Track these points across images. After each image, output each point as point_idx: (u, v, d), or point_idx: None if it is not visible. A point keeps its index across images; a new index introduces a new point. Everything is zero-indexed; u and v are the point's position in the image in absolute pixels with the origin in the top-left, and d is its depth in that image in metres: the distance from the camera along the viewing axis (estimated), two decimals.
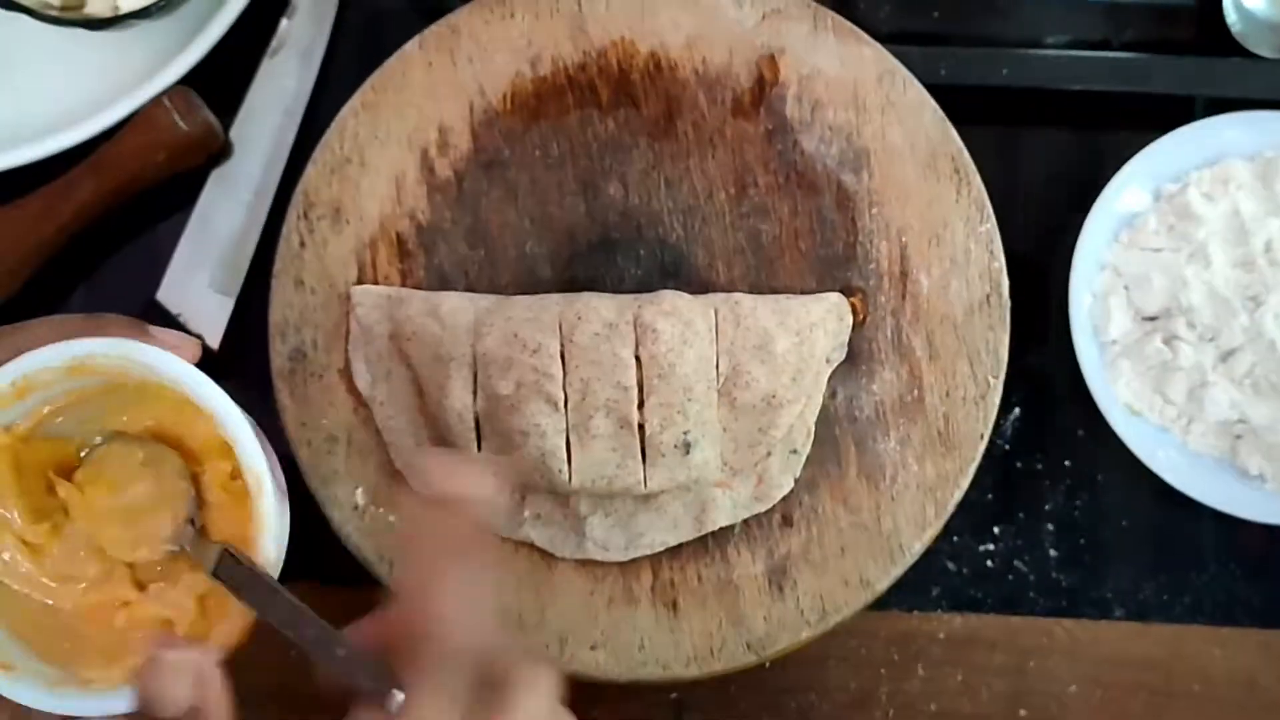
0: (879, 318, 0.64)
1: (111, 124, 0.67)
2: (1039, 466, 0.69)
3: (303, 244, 0.64)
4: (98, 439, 0.50)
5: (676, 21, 0.65)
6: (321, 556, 0.62)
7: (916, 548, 0.62)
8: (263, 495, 0.48)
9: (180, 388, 0.47)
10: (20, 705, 0.45)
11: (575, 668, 0.61)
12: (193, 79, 0.68)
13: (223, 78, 0.69)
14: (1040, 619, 0.68)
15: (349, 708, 0.43)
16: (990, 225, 0.64)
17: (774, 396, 0.61)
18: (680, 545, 0.62)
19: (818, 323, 0.62)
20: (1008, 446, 0.69)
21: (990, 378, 0.63)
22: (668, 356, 0.60)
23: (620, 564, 0.62)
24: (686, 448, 0.60)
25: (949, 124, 0.64)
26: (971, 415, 0.63)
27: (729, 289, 0.64)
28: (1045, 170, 0.71)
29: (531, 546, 0.62)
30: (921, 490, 0.62)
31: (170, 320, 0.68)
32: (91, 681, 0.47)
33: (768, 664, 0.62)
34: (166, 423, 0.51)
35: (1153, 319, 0.66)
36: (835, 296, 0.63)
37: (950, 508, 0.62)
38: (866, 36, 0.65)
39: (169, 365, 0.46)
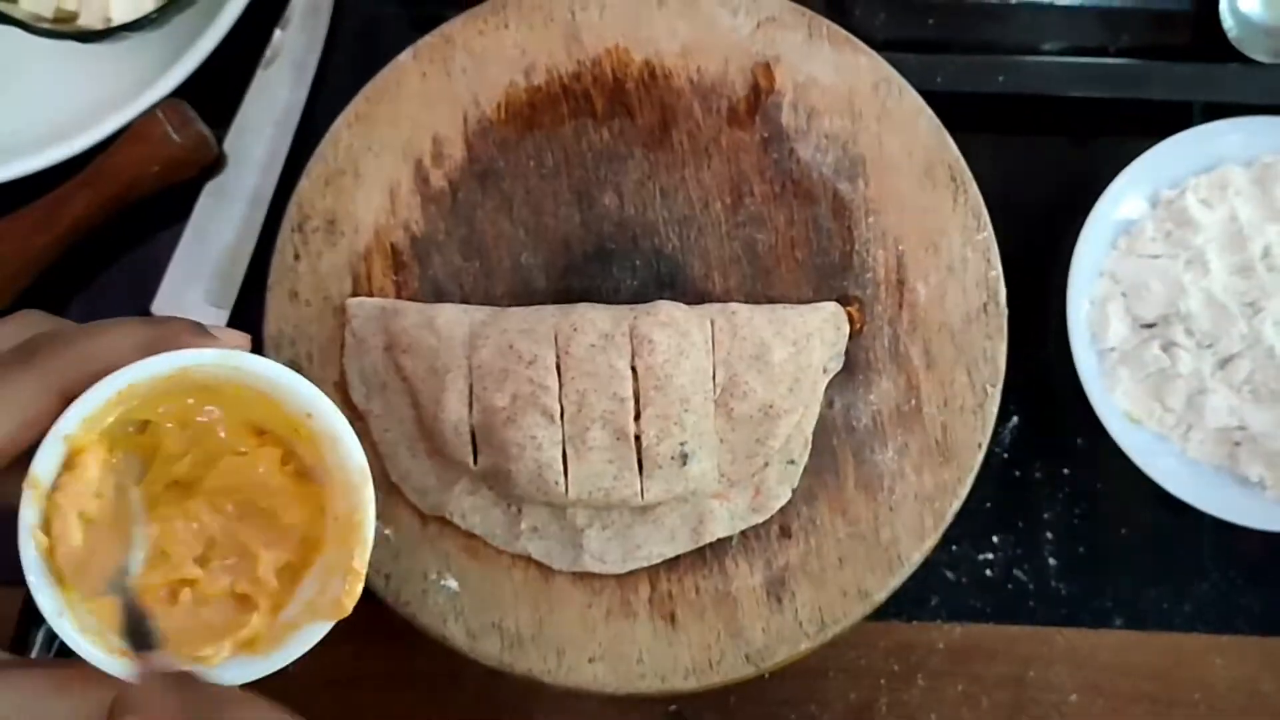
0: (876, 327, 0.63)
1: (105, 137, 0.67)
2: (1038, 475, 0.68)
3: (297, 256, 0.64)
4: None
5: (671, 30, 0.65)
6: None
7: (915, 558, 0.62)
8: (366, 488, 0.48)
9: (281, 394, 0.47)
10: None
11: (573, 681, 0.61)
12: (186, 91, 0.68)
13: (216, 90, 0.69)
14: (1040, 628, 0.68)
15: None
16: (987, 233, 0.64)
17: (771, 407, 0.61)
18: (678, 557, 0.62)
19: (814, 332, 0.62)
20: (1006, 455, 0.69)
21: (988, 386, 0.63)
22: (664, 367, 0.60)
23: (618, 576, 0.62)
24: (683, 459, 0.60)
25: (945, 132, 0.64)
26: (969, 424, 0.62)
27: (725, 299, 0.64)
28: (1042, 177, 0.70)
29: (528, 559, 0.62)
30: (920, 500, 0.62)
31: None
32: (207, 658, 0.47)
33: (767, 675, 0.62)
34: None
35: (1151, 326, 0.66)
36: (832, 306, 0.63)
37: (949, 518, 0.62)
38: (862, 44, 0.65)
39: (273, 372, 0.47)
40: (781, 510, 0.62)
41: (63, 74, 0.70)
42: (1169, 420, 0.65)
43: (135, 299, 0.68)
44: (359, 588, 0.47)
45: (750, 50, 0.65)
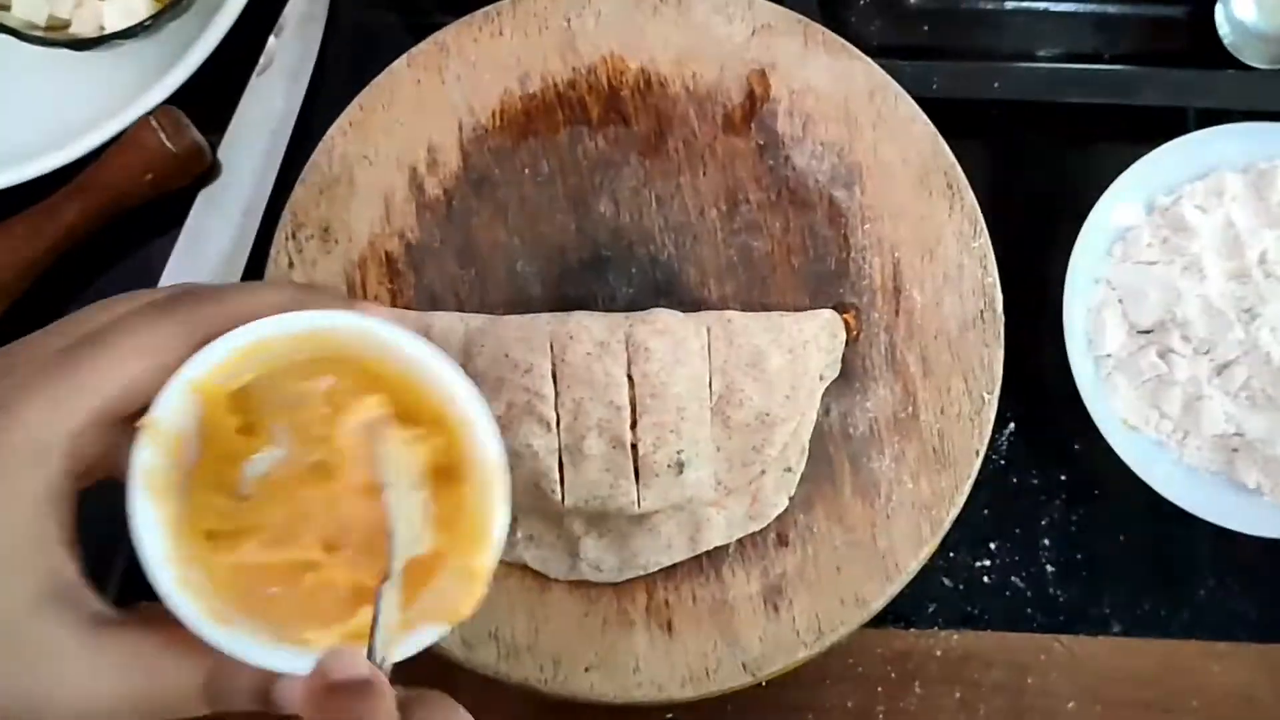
0: (872, 334, 0.63)
1: (98, 145, 0.67)
2: (1035, 482, 0.68)
3: (291, 264, 0.64)
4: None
5: (666, 38, 0.65)
6: None
7: (912, 566, 0.62)
8: (499, 486, 0.44)
9: (415, 368, 0.44)
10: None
11: (570, 690, 0.61)
12: (180, 99, 0.67)
13: (210, 97, 0.68)
14: (1037, 635, 0.67)
15: None
16: (983, 240, 0.64)
17: (768, 415, 0.60)
18: (675, 565, 0.62)
19: (811, 340, 0.62)
20: (1003, 462, 0.68)
21: (985, 393, 0.63)
22: (660, 375, 0.60)
23: (614, 585, 0.62)
24: (680, 467, 0.60)
25: (941, 138, 0.64)
26: (966, 431, 0.62)
27: (721, 306, 0.63)
28: (1038, 183, 0.70)
29: (524, 568, 0.62)
30: (917, 508, 0.62)
31: None
32: (310, 642, 0.44)
33: (764, 684, 0.62)
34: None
35: (1147, 332, 0.66)
36: (828, 313, 0.63)
37: (946, 525, 0.62)
38: (857, 51, 0.65)
39: (411, 345, 0.44)
40: (778, 518, 0.62)
41: (56, 82, 0.70)
42: (1166, 427, 0.65)
43: None
44: (481, 591, 0.44)
45: (745, 57, 0.65)
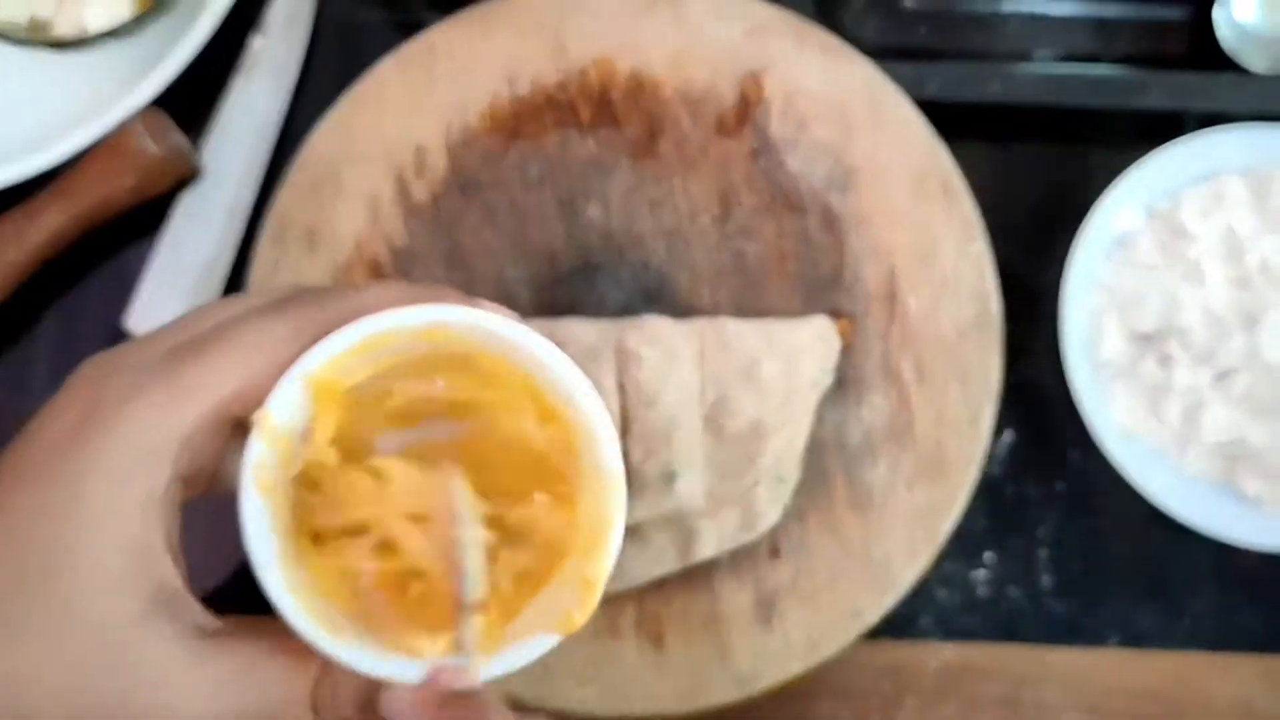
0: (867, 341, 0.62)
1: (79, 148, 0.65)
2: (1031, 491, 0.67)
3: (276, 268, 0.62)
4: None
5: (658, 38, 0.64)
6: None
7: (908, 577, 0.61)
8: (617, 496, 0.43)
9: (536, 367, 0.42)
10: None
11: (559, 705, 0.60)
12: (163, 101, 0.66)
13: (193, 99, 0.67)
14: (1034, 647, 0.66)
15: None
16: (981, 245, 0.63)
17: (761, 424, 0.59)
18: (665, 578, 0.61)
19: (805, 347, 0.61)
20: (999, 470, 0.67)
21: (982, 401, 0.62)
22: (651, 384, 0.58)
23: (603, 597, 0.60)
24: (671, 478, 0.59)
25: (938, 141, 0.63)
26: (963, 440, 0.61)
27: (714, 312, 0.62)
28: (1036, 188, 0.69)
29: None
30: (913, 518, 0.61)
31: None
32: (419, 650, 0.43)
33: (756, 698, 0.61)
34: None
35: (1147, 339, 0.65)
36: (822, 320, 0.62)
37: (943, 536, 0.61)
38: (853, 53, 0.64)
39: (532, 343, 0.42)
40: (771, 530, 0.61)
41: (36, 84, 0.68)
42: (1165, 435, 0.64)
43: (110, 313, 0.67)
44: (593, 601, 0.42)
45: (739, 59, 0.64)
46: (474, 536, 0.43)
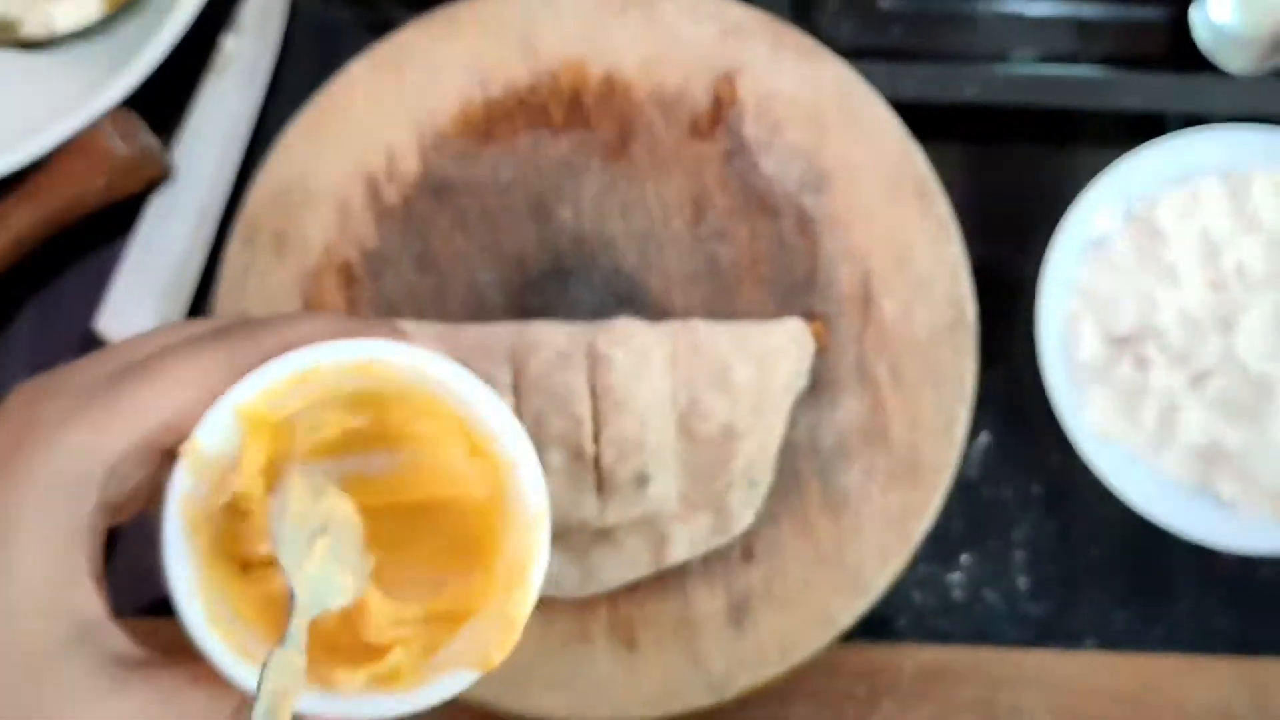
0: (841, 344, 0.62)
1: (48, 149, 0.65)
2: (1008, 494, 0.67)
3: (245, 272, 0.62)
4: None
5: (631, 40, 0.64)
6: None
7: (882, 581, 0.60)
8: (540, 530, 0.43)
9: (464, 405, 0.43)
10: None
11: (528, 709, 0.59)
12: (133, 101, 0.66)
13: (164, 99, 0.67)
14: (1010, 650, 0.66)
15: None
16: (956, 248, 0.62)
17: (733, 427, 0.59)
18: (637, 581, 0.60)
19: (778, 350, 0.60)
20: (975, 473, 0.67)
21: (957, 405, 0.61)
22: (623, 386, 0.58)
23: (575, 601, 0.60)
24: (643, 481, 0.58)
25: (913, 143, 0.63)
26: (938, 444, 0.61)
27: (686, 316, 0.62)
28: (1011, 190, 0.69)
29: None
30: (887, 522, 0.61)
31: None
32: (338, 684, 0.43)
33: (729, 701, 0.60)
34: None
35: (1123, 341, 0.65)
36: (796, 322, 0.61)
37: (917, 539, 0.61)
38: (828, 54, 0.64)
39: (462, 381, 0.42)
40: (744, 533, 0.60)
41: (4, 84, 0.68)
42: (1141, 438, 0.64)
43: (80, 315, 0.66)
44: (513, 639, 0.43)
45: (713, 61, 0.63)
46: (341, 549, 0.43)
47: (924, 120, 0.64)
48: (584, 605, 0.60)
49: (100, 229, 0.67)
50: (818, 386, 0.62)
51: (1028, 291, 0.64)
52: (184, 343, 0.39)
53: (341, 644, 0.43)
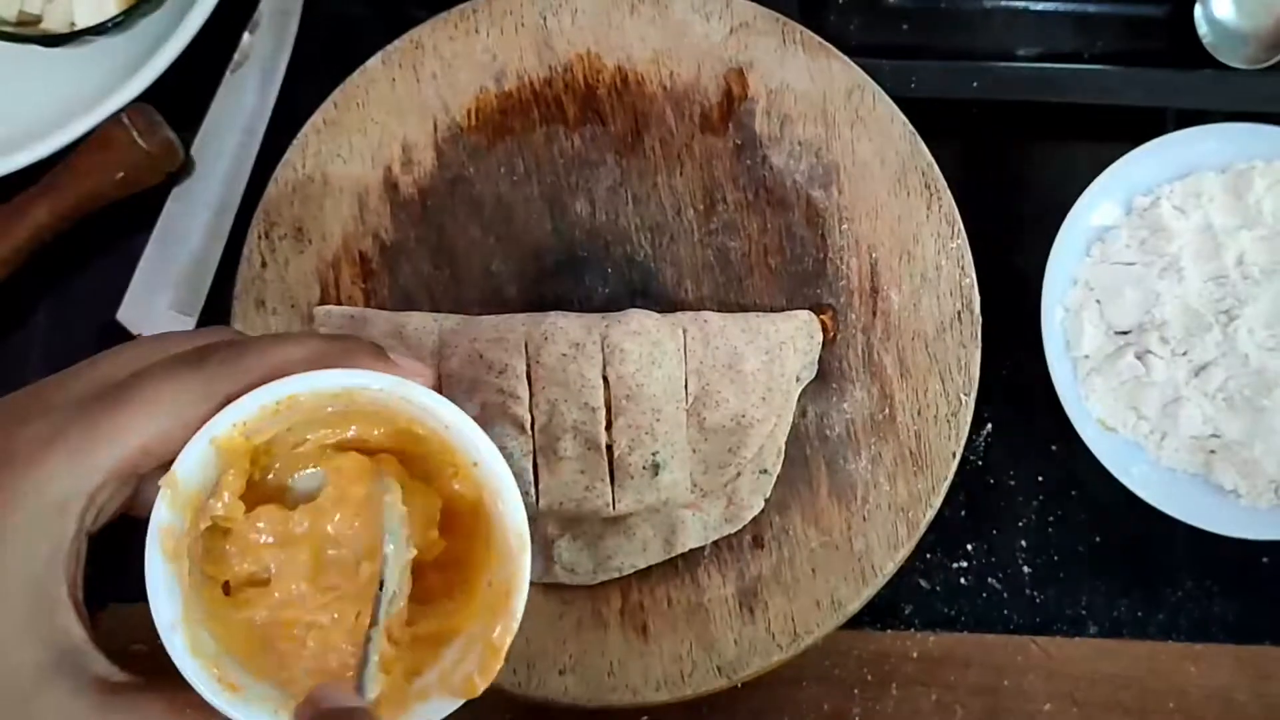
0: (849, 335, 0.63)
1: (69, 142, 0.66)
2: (1012, 483, 0.68)
3: (264, 264, 0.63)
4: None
5: (643, 36, 0.65)
6: None
7: (889, 568, 0.61)
8: (523, 557, 0.43)
9: (447, 433, 0.43)
10: None
11: (543, 693, 0.60)
12: (152, 95, 0.67)
13: (183, 94, 0.68)
14: (1014, 636, 0.67)
15: None
16: (961, 240, 0.63)
17: (744, 416, 0.60)
18: (649, 568, 0.61)
19: (788, 341, 0.61)
20: (980, 462, 0.68)
21: (962, 395, 0.62)
22: (636, 377, 0.59)
23: (588, 587, 0.61)
24: (655, 469, 0.59)
25: (919, 138, 0.64)
26: (944, 433, 0.62)
27: (698, 307, 0.63)
28: (1016, 184, 0.70)
29: None
30: (893, 510, 0.62)
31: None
32: None
33: (739, 686, 0.61)
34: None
35: (1125, 334, 0.66)
36: (805, 314, 0.63)
37: (923, 527, 0.62)
38: (836, 50, 0.65)
39: (445, 412, 0.43)
40: (754, 520, 0.62)
41: (25, 78, 0.69)
42: (1143, 428, 0.65)
43: (101, 307, 0.67)
44: (496, 667, 0.43)
45: (723, 56, 0.64)
46: (400, 551, 0.43)
47: (930, 115, 0.65)
48: (597, 591, 0.61)
49: (120, 222, 0.68)
50: (826, 376, 0.63)
51: (1032, 284, 0.65)
52: (163, 365, 0.39)
53: (327, 669, 0.43)
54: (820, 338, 0.63)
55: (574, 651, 0.61)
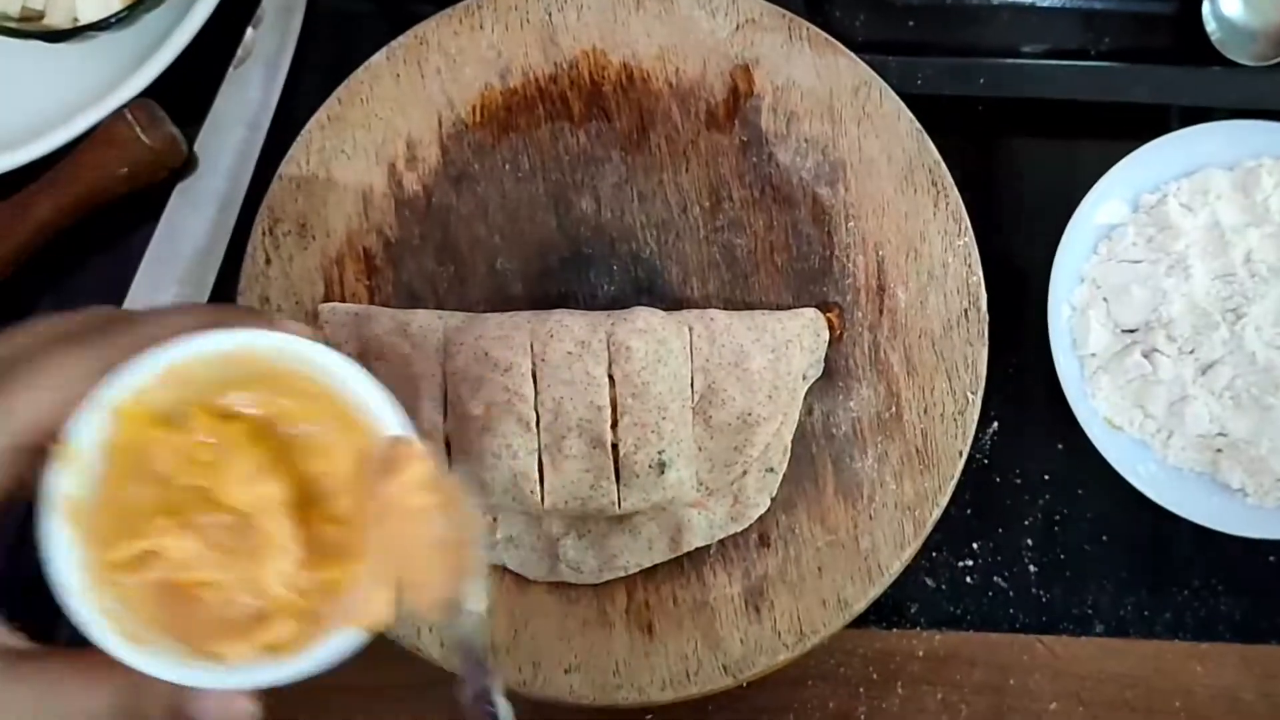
0: (856, 333, 0.63)
1: (72, 138, 0.66)
2: (1018, 481, 0.68)
3: (268, 261, 0.63)
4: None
5: (648, 32, 0.64)
6: None
7: (895, 567, 0.61)
8: None
9: (333, 381, 0.44)
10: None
11: (549, 692, 0.60)
12: (156, 91, 0.66)
13: (186, 89, 0.67)
14: (1020, 635, 0.67)
15: None
16: (968, 238, 0.63)
17: (750, 414, 0.60)
18: (655, 567, 0.61)
19: (794, 339, 0.61)
20: (986, 461, 0.68)
21: (969, 393, 0.62)
22: (641, 375, 0.59)
23: (594, 586, 0.61)
24: (661, 468, 0.59)
25: (926, 135, 0.64)
26: (950, 432, 0.62)
27: (704, 304, 0.63)
28: (1023, 181, 0.70)
29: (504, 569, 0.61)
30: (900, 508, 0.61)
31: None
32: (224, 656, 0.45)
33: (745, 684, 0.61)
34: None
35: (1132, 332, 0.65)
36: (811, 312, 0.62)
37: (929, 526, 0.62)
38: (842, 47, 0.64)
39: (331, 360, 0.44)
40: (760, 519, 0.61)
41: (28, 74, 0.68)
42: (1150, 426, 0.65)
43: (104, 303, 0.66)
44: (398, 599, 0.45)
45: (729, 53, 0.64)
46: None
47: (936, 113, 0.65)
48: (603, 590, 0.61)
49: (123, 218, 0.68)
50: (832, 374, 0.62)
51: (1038, 282, 0.65)
52: (52, 341, 0.40)
53: (230, 617, 0.44)
54: (826, 335, 0.62)
55: (579, 650, 0.61)
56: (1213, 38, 0.68)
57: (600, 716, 0.62)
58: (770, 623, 0.61)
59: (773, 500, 0.61)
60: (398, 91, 0.64)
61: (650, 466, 0.59)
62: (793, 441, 0.62)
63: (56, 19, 0.66)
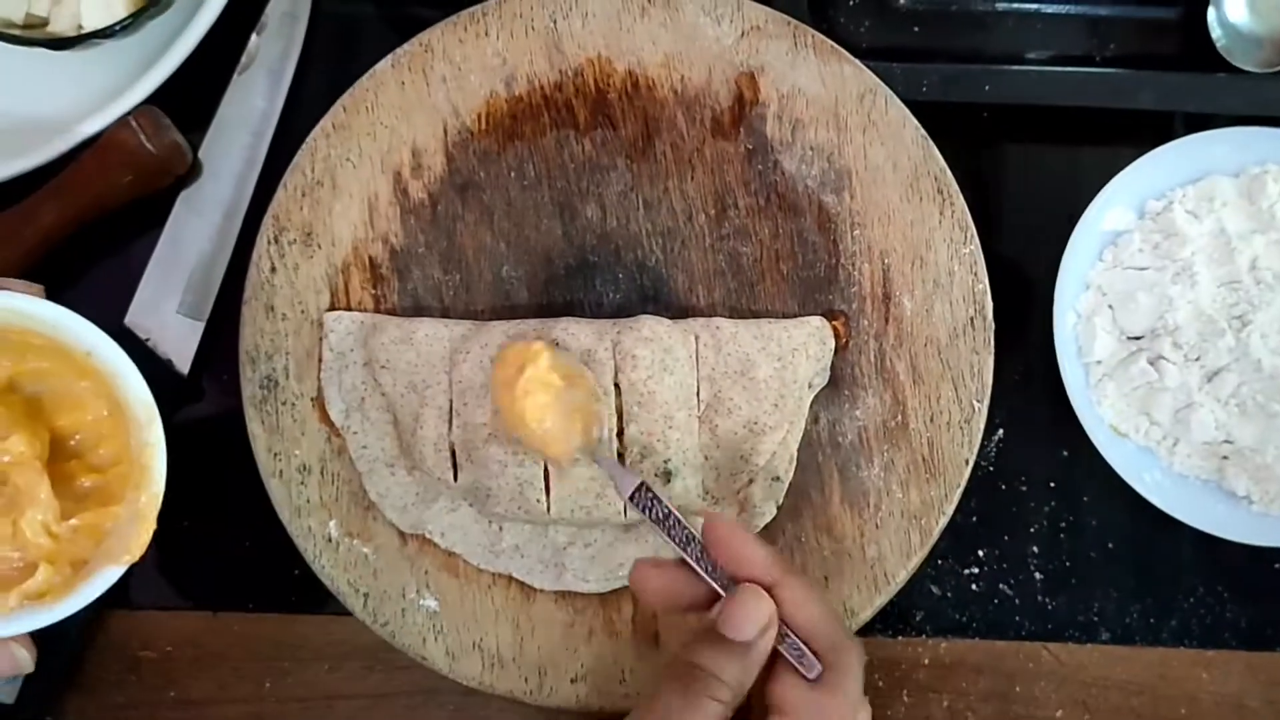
0: (862, 341, 0.63)
1: (77, 145, 0.66)
2: (1023, 489, 0.68)
3: (273, 269, 0.63)
4: None
5: (654, 39, 0.64)
6: (289, 585, 0.63)
7: (901, 575, 0.61)
8: (154, 425, 0.50)
9: (55, 333, 0.50)
10: None
11: (555, 701, 0.60)
12: (160, 98, 0.66)
13: (191, 96, 0.67)
14: (1025, 643, 0.67)
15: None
16: (974, 246, 0.63)
17: (756, 423, 0.60)
18: None
19: (800, 347, 0.61)
20: (992, 468, 0.68)
21: (975, 401, 0.62)
22: (647, 384, 0.59)
23: (600, 595, 0.61)
24: (667, 476, 0.59)
25: (931, 142, 0.64)
26: (956, 440, 0.62)
27: (709, 313, 0.63)
28: (1028, 188, 0.70)
29: (509, 578, 0.61)
30: (906, 517, 0.61)
31: (139, 344, 0.66)
32: None
33: None
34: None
35: (1138, 339, 0.65)
36: (817, 320, 0.62)
37: (935, 534, 0.62)
38: (847, 54, 0.64)
39: (47, 312, 0.49)
40: (766, 527, 0.61)
41: (32, 82, 0.68)
42: (1155, 434, 0.65)
43: (108, 310, 0.67)
44: (148, 532, 0.49)
45: (734, 60, 0.64)
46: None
47: (942, 120, 0.64)
48: (609, 600, 0.61)
49: (128, 225, 0.68)
50: (838, 383, 0.62)
51: (1044, 289, 0.65)
52: None
53: None
54: (832, 344, 0.62)
55: (586, 660, 0.61)
56: (1218, 44, 0.68)
57: None
58: None
59: (779, 509, 0.61)
60: (403, 99, 0.64)
61: (656, 475, 0.59)
62: (798, 450, 0.62)
63: (61, 26, 0.66)
